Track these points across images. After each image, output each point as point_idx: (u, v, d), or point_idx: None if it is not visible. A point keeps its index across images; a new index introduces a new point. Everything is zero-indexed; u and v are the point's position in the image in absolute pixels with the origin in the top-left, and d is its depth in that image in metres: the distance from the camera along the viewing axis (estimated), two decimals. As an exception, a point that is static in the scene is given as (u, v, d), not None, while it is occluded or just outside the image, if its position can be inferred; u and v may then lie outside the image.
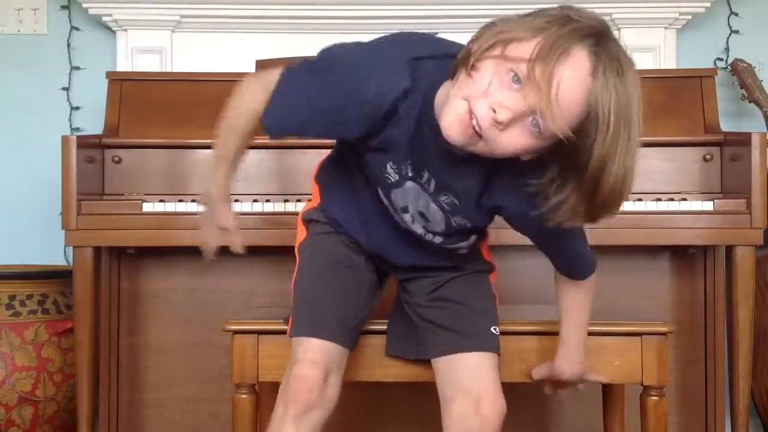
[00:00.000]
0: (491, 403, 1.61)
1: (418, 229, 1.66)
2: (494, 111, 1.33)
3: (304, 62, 1.52)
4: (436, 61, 1.44)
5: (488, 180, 1.54)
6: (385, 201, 1.64)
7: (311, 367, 1.59)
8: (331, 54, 1.49)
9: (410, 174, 1.56)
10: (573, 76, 1.31)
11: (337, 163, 1.72)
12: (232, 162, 1.71)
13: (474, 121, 1.34)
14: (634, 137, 1.34)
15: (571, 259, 1.67)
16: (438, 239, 1.66)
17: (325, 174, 1.77)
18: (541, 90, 1.30)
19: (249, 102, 1.60)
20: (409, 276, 1.76)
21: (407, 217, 1.64)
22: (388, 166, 1.56)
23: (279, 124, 1.55)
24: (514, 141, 1.36)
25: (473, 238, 1.69)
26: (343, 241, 1.72)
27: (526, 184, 1.44)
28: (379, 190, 1.63)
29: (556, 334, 1.80)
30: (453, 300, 1.71)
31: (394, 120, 1.48)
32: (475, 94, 1.34)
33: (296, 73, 1.52)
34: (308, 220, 1.79)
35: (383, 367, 1.82)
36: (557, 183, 1.40)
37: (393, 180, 1.58)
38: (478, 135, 1.35)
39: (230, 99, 1.64)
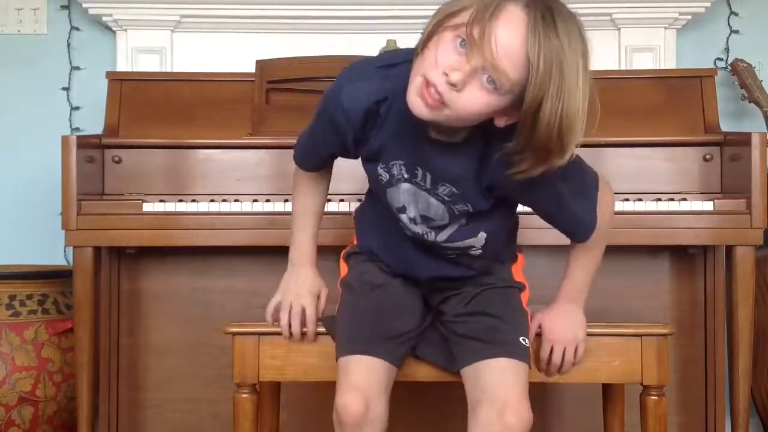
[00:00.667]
0: (515, 410, 1.61)
1: (418, 229, 1.69)
2: (446, 75, 1.42)
3: None
4: (410, 63, 1.51)
5: (482, 159, 1.58)
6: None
7: (351, 393, 1.64)
8: None
9: (405, 176, 1.64)
10: (508, 30, 1.40)
11: (367, 195, 1.84)
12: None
13: (432, 90, 1.43)
14: (570, 84, 1.42)
15: (568, 223, 1.72)
16: (443, 235, 1.68)
17: (360, 209, 1.88)
18: (482, 47, 1.40)
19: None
20: (440, 296, 1.79)
21: (404, 218, 1.69)
22: (379, 168, 1.66)
23: (297, 152, 1.84)
24: (473, 100, 1.44)
25: (482, 236, 1.69)
26: (380, 267, 1.80)
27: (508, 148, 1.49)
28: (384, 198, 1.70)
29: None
30: (483, 313, 1.73)
31: (378, 123, 1.61)
32: (429, 66, 1.44)
33: None
34: (348, 255, 1.88)
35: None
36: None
37: (385, 180, 1.67)
38: (441, 103, 1.44)
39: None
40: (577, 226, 1.72)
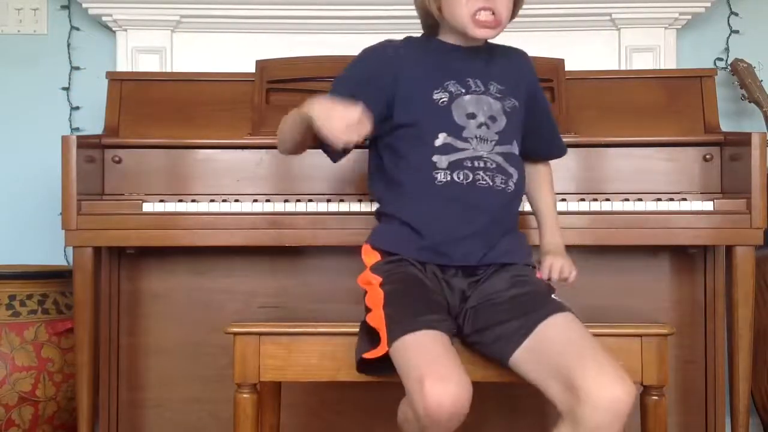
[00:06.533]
0: (613, 366, 1.57)
1: (482, 132, 1.84)
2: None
3: None
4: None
5: (504, 57, 1.97)
6: (445, 139, 1.83)
7: (444, 385, 1.54)
8: None
9: (462, 90, 1.87)
10: None
11: (386, 181, 1.90)
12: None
13: (489, 13, 1.82)
14: None
15: (557, 136, 2.07)
16: (493, 138, 1.85)
17: (382, 198, 1.92)
18: None
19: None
20: (468, 281, 1.80)
21: (473, 124, 1.84)
22: (435, 95, 1.86)
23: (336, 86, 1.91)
24: (505, 4, 1.84)
25: (516, 148, 1.90)
26: (412, 268, 1.81)
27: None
28: (440, 137, 1.83)
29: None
30: (513, 294, 1.75)
31: (407, 55, 1.90)
32: (468, 2, 1.82)
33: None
34: (379, 266, 1.83)
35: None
36: None
37: (446, 100, 1.86)
38: (499, 22, 1.83)
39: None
40: (559, 141, 2.07)
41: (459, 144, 1.83)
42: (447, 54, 1.91)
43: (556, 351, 1.61)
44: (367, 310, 1.77)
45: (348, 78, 1.92)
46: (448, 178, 1.81)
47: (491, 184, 1.82)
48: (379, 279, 1.78)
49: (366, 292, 1.80)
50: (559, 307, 1.70)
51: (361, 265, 1.87)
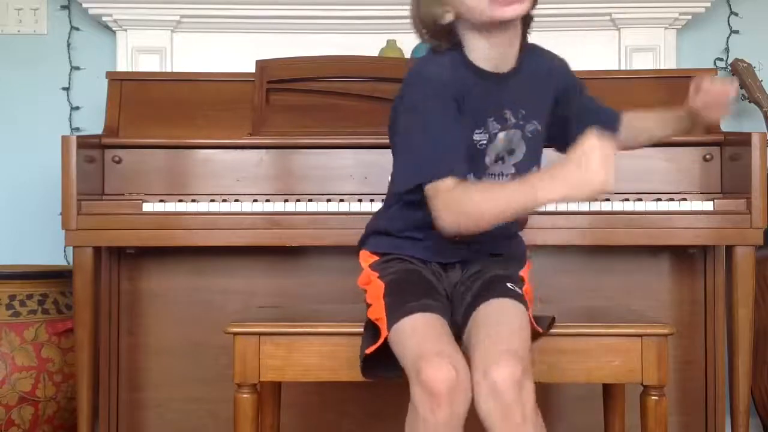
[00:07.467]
0: (501, 351, 1.56)
1: (498, 169, 1.76)
2: None
3: None
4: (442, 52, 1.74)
5: (549, 72, 1.80)
6: (471, 179, 1.71)
7: (437, 359, 1.54)
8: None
9: (498, 127, 1.73)
10: None
11: (396, 206, 1.82)
12: None
13: None
14: None
15: (606, 109, 1.93)
16: (509, 172, 1.76)
17: (390, 207, 1.85)
18: None
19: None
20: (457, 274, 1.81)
21: (493, 161, 1.74)
22: (475, 134, 1.72)
23: (428, 164, 1.69)
24: None
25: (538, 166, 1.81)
26: (409, 262, 1.80)
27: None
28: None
29: (561, 335, 1.81)
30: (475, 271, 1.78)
31: (461, 88, 1.71)
32: None
33: None
34: (377, 264, 1.83)
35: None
36: None
37: (485, 142, 1.73)
38: None
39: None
40: (611, 112, 1.93)
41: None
42: (485, 81, 1.71)
43: (477, 328, 1.66)
44: (368, 306, 1.78)
45: (436, 113, 1.69)
46: None
47: None
48: (378, 273, 1.79)
49: (366, 291, 1.81)
50: (504, 293, 1.71)
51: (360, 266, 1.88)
